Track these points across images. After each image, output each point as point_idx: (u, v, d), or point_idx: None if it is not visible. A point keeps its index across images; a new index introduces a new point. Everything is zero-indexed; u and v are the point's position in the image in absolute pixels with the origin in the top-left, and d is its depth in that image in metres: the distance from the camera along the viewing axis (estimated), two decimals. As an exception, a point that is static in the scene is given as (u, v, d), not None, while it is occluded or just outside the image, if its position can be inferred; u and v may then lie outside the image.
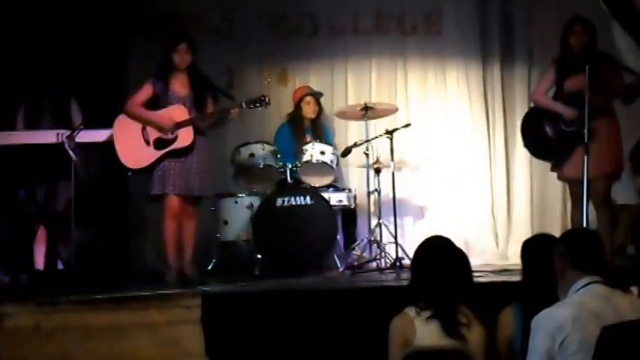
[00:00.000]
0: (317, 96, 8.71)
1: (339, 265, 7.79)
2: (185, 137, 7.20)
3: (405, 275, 7.14)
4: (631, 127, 7.67)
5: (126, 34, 8.95)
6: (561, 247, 3.91)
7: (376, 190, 8.26)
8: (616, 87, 6.80)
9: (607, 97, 6.76)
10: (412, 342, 4.11)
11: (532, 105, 7.53)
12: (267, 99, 7.41)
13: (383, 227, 8.17)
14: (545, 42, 9.05)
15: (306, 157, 7.99)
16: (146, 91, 7.33)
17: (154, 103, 7.33)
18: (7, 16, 8.16)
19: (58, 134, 7.18)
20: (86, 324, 5.82)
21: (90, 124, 7.38)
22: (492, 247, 9.02)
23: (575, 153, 6.73)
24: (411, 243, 8.37)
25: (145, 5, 9.12)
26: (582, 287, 3.73)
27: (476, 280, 4.92)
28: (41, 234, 7.66)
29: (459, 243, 4.55)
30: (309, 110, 8.62)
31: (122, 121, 7.31)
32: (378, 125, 8.47)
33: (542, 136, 7.05)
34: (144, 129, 7.27)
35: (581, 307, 3.64)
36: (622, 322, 3.54)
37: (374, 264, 8.06)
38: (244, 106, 7.38)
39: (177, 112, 7.24)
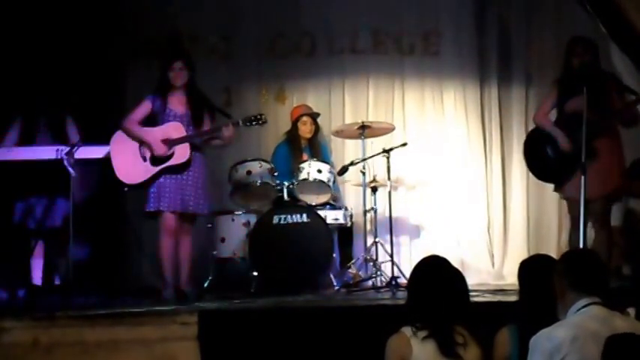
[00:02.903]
0: (314, 116, 8.74)
1: (335, 284, 7.77)
2: (181, 154, 7.23)
3: (401, 294, 7.15)
4: (626, 148, 7.70)
5: (125, 52, 8.98)
6: (561, 267, 3.92)
7: (373, 208, 8.27)
8: (616, 108, 6.83)
9: (608, 116, 6.77)
10: (409, 362, 4.12)
11: (534, 126, 7.57)
12: (263, 117, 7.44)
13: (379, 246, 8.16)
14: (543, 63, 9.10)
15: (302, 175, 8.01)
16: (144, 109, 7.36)
17: (153, 120, 7.36)
18: (5, 33, 8.18)
19: (57, 150, 7.21)
20: (83, 339, 5.82)
21: (88, 141, 7.41)
22: (488, 267, 9.03)
23: (577, 173, 6.75)
24: (407, 262, 8.45)
25: (144, 25, 9.15)
26: (581, 308, 3.74)
27: (472, 299, 4.92)
28: (39, 249, 7.68)
29: (454, 262, 4.56)
30: (305, 130, 8.64)
31: (119, 137, 7.35)
32: (375, 144, 8.46)
33: (544, 158, 7.07)
34: (141, 145, 7.30)
35: (579, 327, 3.65)
36: (629, 333, 3.55)
37: (370, 282, 8.04)
38: (240, 123, 7.41)
39: (174, 129, 7.27)
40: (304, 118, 8.66)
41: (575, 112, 6.77)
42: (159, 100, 7.35)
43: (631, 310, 4.51)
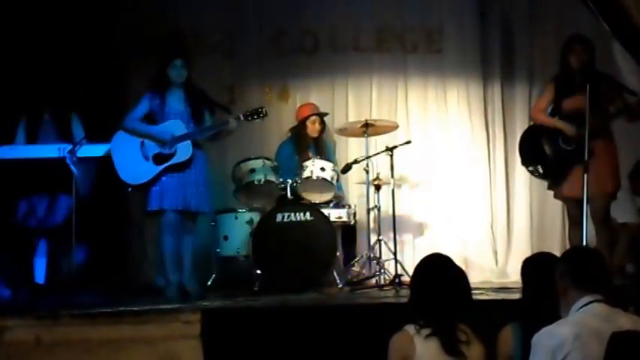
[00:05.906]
0: (322, 116, 8.73)
1: (338, 282, 7.77)
2: (184, 151, 7.22)
3: (404, 292, 7.14)
4: (631, 146, 7.69)
5: (128, 50, 8.97)
6: (563, 265, 3.90)
7: (376, 206, 8.26)
8: (617, 107, 6.82)
9: (605, 117, 6.78)
10: (412, 360, 4.12)
11: (531, 123, 7.56)
12: (264, 110, 7.46)
13: (382, 244, 8.17)
14: (545, 61, 9.06)
15: (306, 174, 7.99)
16: (143, 107, 7.36)
17: (151, 119, 7.35)
18: (10, 31, 8.19)
19: (59, 148, 7.22)
20: (86, 338, 5.83)
21: (91, 139, 7.41)
22: (491, 265, 9.02)
23: (573, 172, 6.75)
24: (410, 260, 8.43)
25: (147, 23, 9.14)
26: (583, 306, 3.73)
27: (475, 297, 4.92)
28: (41, 248, 7.67)
29: (458, 260, 4.57)
30: (314, 130, 8.62)
31: (120, 138, 7.35)
32: (379, 142, 8.48)
33: (541, 155, 7.06)
34: (142, 144, 7.30)
35: (582, 325, 3.64)
36: (633, 330, 3.54)
37: (373, 280, 8.05)
38: (242, 118, 7.42)
39: (175, 127, 7.26)
40: (313, 118, 8.63)
41: (572, 110, 6.78)
42: (157, 98, 7.35)
43: (632, 309, 4.49)
